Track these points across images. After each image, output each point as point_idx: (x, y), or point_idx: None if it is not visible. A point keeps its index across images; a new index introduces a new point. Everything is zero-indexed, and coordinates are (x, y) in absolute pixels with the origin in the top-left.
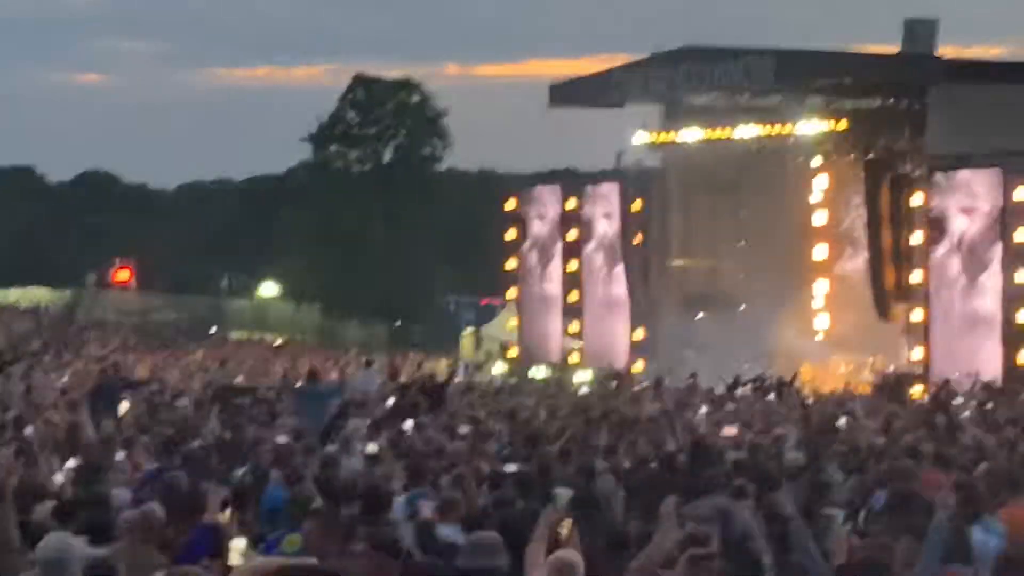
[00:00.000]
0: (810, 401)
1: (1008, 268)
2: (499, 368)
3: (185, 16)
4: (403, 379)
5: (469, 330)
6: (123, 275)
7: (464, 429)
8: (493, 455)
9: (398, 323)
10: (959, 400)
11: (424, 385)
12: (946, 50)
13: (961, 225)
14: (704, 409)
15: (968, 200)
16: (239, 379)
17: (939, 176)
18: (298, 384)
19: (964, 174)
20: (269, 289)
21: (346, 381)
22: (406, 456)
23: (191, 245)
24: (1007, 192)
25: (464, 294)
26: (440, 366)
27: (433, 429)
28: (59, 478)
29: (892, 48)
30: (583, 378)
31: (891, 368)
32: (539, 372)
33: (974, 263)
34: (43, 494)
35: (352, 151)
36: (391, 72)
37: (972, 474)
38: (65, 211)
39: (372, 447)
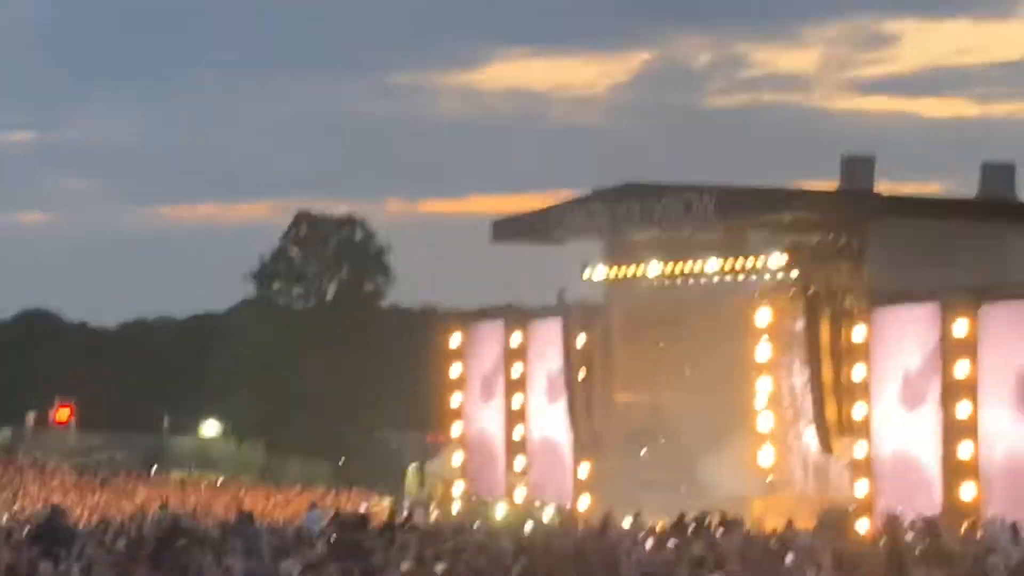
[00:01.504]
0: (755, 538)
1: (947, 403)
2: (444, 506)
3: (126, 154)
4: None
5: (413, 467)
6: (63, 414)
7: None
8: None
9: (341, 460)
10: (909, 536)
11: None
12: (883, 187)
13: (901, 360)
14: (649, 545)
15: (908, 335)
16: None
17: (879, 311)
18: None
19: (903, 309)
20: (211, 427)
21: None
22: None
23: (133, 383)
24: (945, 327)
25: (407, 431)
26: (383, 504)
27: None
28: None
29: (831, 185)
30: (524, 515)
31: (834, 504)
32: (482, 509)
33: (914, 398)
34: None
35: (295, 287)
36: (334, 208)
37: None
38: (5, 350)
39: None
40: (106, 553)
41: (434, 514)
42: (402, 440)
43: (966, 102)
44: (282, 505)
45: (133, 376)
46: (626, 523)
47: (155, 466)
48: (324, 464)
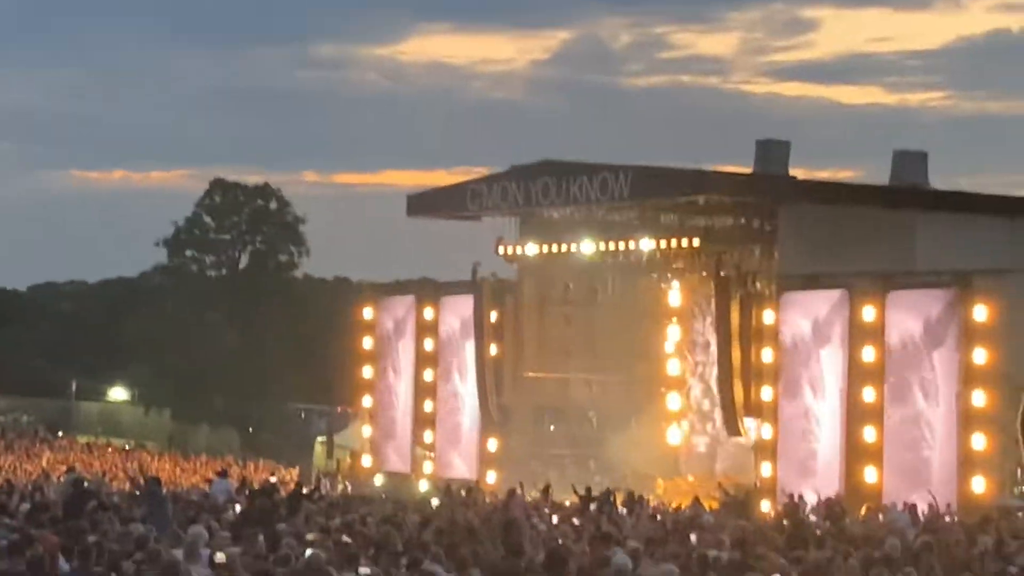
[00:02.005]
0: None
1: (853, 387)
2: (352, 478)
3: (41, 118)
4: (254, 487)
5: (321, 439)
6: None
7: (312, 536)
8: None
9: (249, 430)
10: (811, 517)
11: (274, 493)
12: (798, 171)
13: (809, 344)
14: (555, 520)
15: (816, 319)
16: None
17: (788, 294)
18: (140, 489)
19: (813, 293)
20: (119, 393)
21: (196, 489)
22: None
23: (41, 346)
24: (853, 312)
25: (317, 402)
26: (292, 474)
27: (287, 538)
28: None
29: (746, 168)
30: (431, 488)
31: (739, 484)
32: (389, 482)
33: (821, 382)
34: None
35: (207, 256)
36: (249, 178)
37: None
38: None
39: (220, 556)
40: (8, 517)
41: (341, 486)
42: (311, 412)
43: (882, 90)
44: (189, 473)
45: (42, 340)
46: (532, 497)
47: (61, 431)
48: (233, 434)
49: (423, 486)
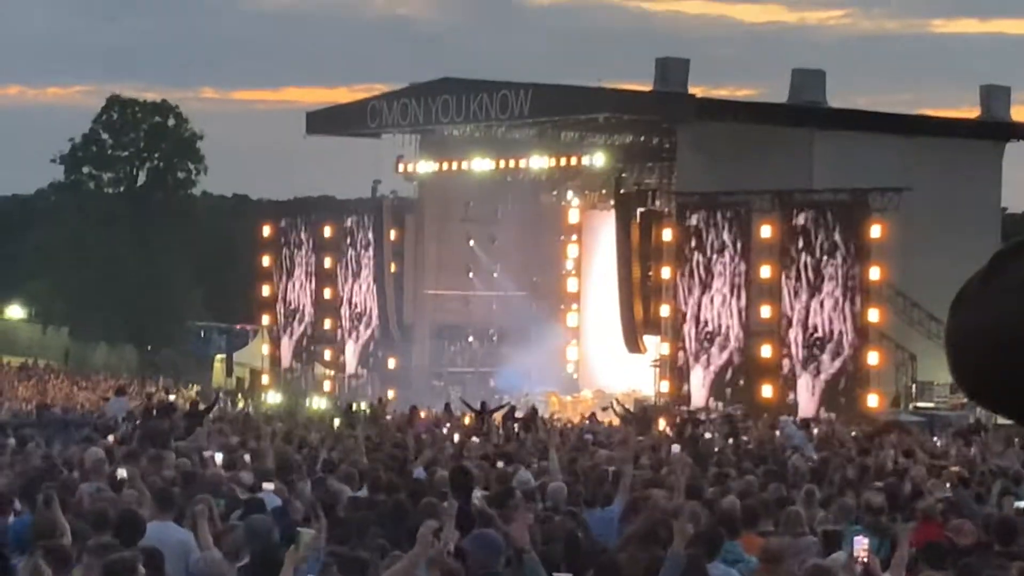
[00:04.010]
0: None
1: (751, 304)
2: (260, 397)
3: None
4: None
5: (220, 357)
6: None
7: (209, 454)
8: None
9: (148, 348)
10: (707, 434)
11: (171, 411)
12: (697, 90)
13: (707, 261)
14: (456, 437)
15: (714, 237)
16: None
17: (687, 213)
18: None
19: (711, 211)
20: (15, 311)
21: (95, 409)
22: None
23: None
24: (751, 229)
25: (217, 320)
26: (190, 392)
27: (184, 455)
28: None
29: (646, 86)
30: (332, 407)
31: (638, 400)
32: (289, 400)
33: (719, 298)
34: None
35: (105, 173)
36: (147, 95)
37: (718, 505)
38: None
39: (122, 472)
40: None
41: (241, 403)
42: (209, 329)
43: (781, 8)
44: (87, 392)
45: None
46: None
47: None
48: (131, 351)
49: (323, 404)
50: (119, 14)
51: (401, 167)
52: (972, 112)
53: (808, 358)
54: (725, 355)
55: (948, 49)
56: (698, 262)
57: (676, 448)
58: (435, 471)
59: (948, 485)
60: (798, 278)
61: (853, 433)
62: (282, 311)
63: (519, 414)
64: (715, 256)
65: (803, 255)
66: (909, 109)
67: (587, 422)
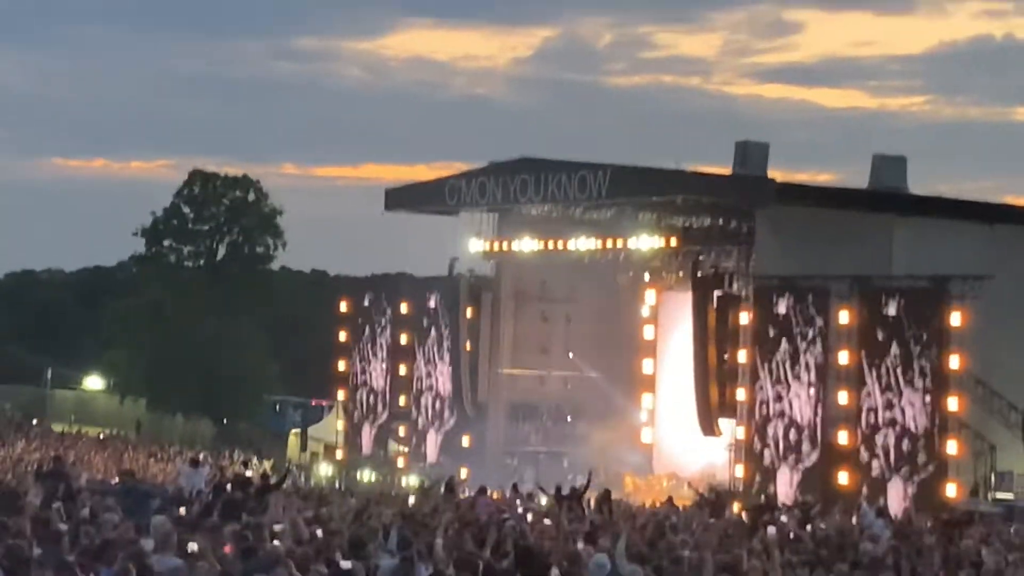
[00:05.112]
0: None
1: (829, 390)
2: (325, 470)
3: (22, 104)
4: (227, 477)
5: (295, 431)
6: None
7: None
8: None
9: (224, 421)
10: (783, 517)
11: (247, 484)
12: (777, 174)
13: (785, 346)
14: (530, 518)
15: (792, 322)
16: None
17: (765, 297)
18: (114, 481)
19: (789, 296)
20: (94, 382)
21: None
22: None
23: (18, 334)
24: (829, 315)
25: (292, 394)
26: (265, 466)
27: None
28: None
29: (725, 169)
30: (411, 483)
31: (713, 484)
32: (366, 475)
33: (796, 384)
34: None
35: (185, 246)
36: (228, 169)
37: None
38: None
39: (193, 545)
40: None
41: (315, 478)
42: (286, 403)
43: (862, 93)
44: (163, 463)
45: (18, 327)
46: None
47: (35, 419)
48: (207, 424)
49: (399, 480)
50: (203, 90)
51: (478, 245)
52: None
53: (885, 446)
54: (801, 441)
55: None
56: (775, 347)
57: (772, 531)
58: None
59: None
60: (877, 365)
61: (929, 523)
62: (358, 388)
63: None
64: (792, 341)
65: (883, 342)
66: (991, 197)
67: (662, 506)
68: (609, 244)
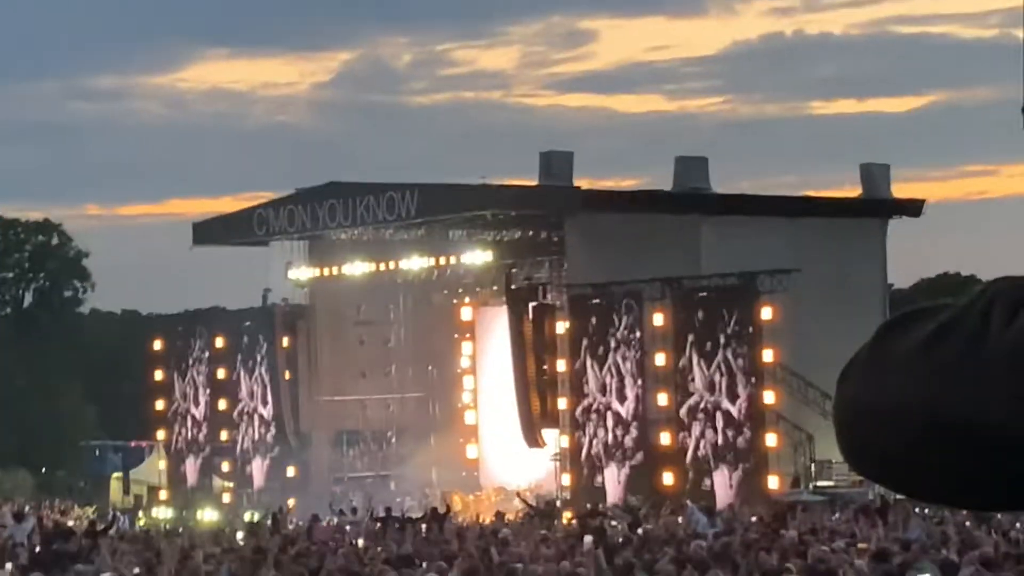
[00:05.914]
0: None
1: (648, 392)
2: (158, 513)
3: None
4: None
5: (117, 475)
6: None
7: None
8: None
9: (42, 470)
10: (613, 523)
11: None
12: (582, 182)
13: (602, 352)
14: (361, 542)
15: (607, 328)
16: None
17: (579, 305)
18: None
19: (603, 302)
20: None
21: None
22: None
23: None
24: (643, 318)
25: (111, 437)
26: (87, 512)
27: None
28: None
29: (531, 181)
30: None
31: (540, 495)
32: (204, 515)
33: (617, 389)
34: None
35: None
36: (30, 213)
37: None
38: None
39: None
40: None
41: (141, 521)
42: (104, 447)
43: (660, 97)
44: None
45: None
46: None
47: None
48: (25, 474)
49: (225, 517)
50: None
51: (291, 274)
52: (854, 191)
53: (706, 444)
54: (625, 445)
55: (827, 130)
56: (593, 354)
57: (588, 539)
58: None
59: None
60: (692, 364)
61: (753, 518)
62: (178, 426)
63: (417, 514)
64: (609, 347)
65: (697, 341)
66: (793, 191)
67: (492, 521)
68: (421, 264)
